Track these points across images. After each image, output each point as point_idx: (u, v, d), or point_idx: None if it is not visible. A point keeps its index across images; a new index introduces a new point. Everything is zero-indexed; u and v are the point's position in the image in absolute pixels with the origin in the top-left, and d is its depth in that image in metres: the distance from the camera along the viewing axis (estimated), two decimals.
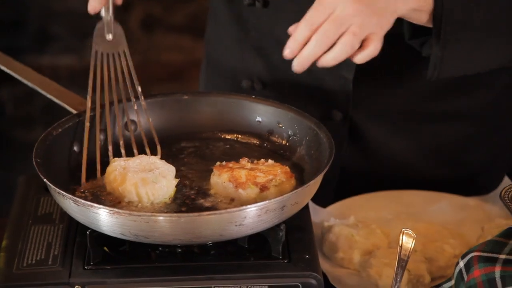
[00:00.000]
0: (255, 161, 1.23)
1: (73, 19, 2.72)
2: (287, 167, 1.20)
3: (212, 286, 1.11)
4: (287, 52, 1.11)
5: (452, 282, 1.14)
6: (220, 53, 1.49)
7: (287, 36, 1.14)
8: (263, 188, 1.16)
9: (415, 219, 1.32)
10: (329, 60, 1.11)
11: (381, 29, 1.12)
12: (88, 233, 1.13)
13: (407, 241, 1.16)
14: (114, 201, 1.15)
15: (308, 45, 1.10)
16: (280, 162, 1.23)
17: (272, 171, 1.19)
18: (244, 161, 1.22)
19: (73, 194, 1.14)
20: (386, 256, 1.22)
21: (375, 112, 1.40)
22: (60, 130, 1.23)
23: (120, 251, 1.15)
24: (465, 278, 1.11)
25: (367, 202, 1.36)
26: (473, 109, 1.39)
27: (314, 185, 1.17)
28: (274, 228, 1.14)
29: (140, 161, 1.18)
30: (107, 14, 1.24)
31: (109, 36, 1.25)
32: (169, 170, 1.18)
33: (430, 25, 1.18)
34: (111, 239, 1.13)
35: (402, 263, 1.15)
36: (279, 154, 1.27)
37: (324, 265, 1.24)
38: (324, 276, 1.17)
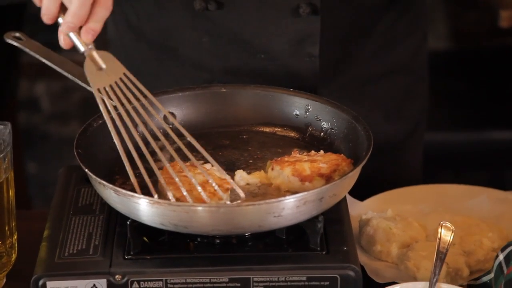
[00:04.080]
0: (305, 153, 1.23)
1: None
2: (343, 155, 1.20)
3: (251, 277, 1.12)
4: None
5: (492, 275, 1.14)
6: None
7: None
8: (329, 179, 1.16)
9: (453, 213, 1.32)
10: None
11: None
12: (128, 223, 1.14)
13: (446, 234, 1.16)
14: None
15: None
16: None
17: (333, 161, 1.18)
18: (296, 154, 1.22)
19: (114, 184, 1.16)
20: (424, 249, 1.22)
21: (337, 85, 1.43)
22: (100, 121, 1.24)
23: (159, 242, 1.16)
24: (505, 271, 1.11)
25: (404, 196, 1.36)
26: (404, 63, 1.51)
27: (352, 177, 1.17)
28: (312, 220, 1.14)
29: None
30: (85, 47, 1.19)
31: (103, 66, 1.19)
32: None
33: None
34: (151, 230, 1.14)
35: (441, 256, 1.15)
36: (316, 147, 1.27)
37: (361, 257, 1.24)
38: (362, 268, 1.17)
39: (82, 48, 1.19)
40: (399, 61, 1.51)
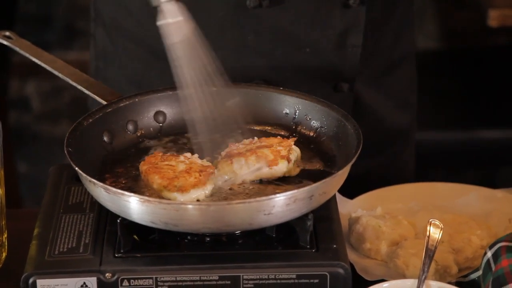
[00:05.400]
0: (242, 142, 1.22)
1: None
2: (279, 138, 1.23)
3: (241, 274, 1.12)
4: None
5: (480, 272, 1.14)
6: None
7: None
8: (289, 160, 1.19)
9: (442, 211, 1.32)
10: None
11: None
12: (118, 221, 1.14)
13: (435, 232, 1.17)
14: None
15: None
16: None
17: (283, 144, 1.21)
18: (233, 145, 1.21)
19: (104, 182, 1.16)
20: (413, 247, 1.23)
21: (368, 75, 1.46)
22: (90, 120, 1.25)
23: (149, 240, 1.16)
24: (493, 268, 1.11)
25: (394, 194, 1.37)
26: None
27: (342, 175, 1.18)
28: (302, 218, 1.15)
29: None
30: None
31: (177, 18, 1.13)
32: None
33: None
34: (141, 228, 1.14)
35: (430, 253, 1.16)
36: (306, 145, 1.28)
37: (351, 255, 1.24)
38: (351, 266, 1.18)
39: None
40: (407, 50, 1.53)
